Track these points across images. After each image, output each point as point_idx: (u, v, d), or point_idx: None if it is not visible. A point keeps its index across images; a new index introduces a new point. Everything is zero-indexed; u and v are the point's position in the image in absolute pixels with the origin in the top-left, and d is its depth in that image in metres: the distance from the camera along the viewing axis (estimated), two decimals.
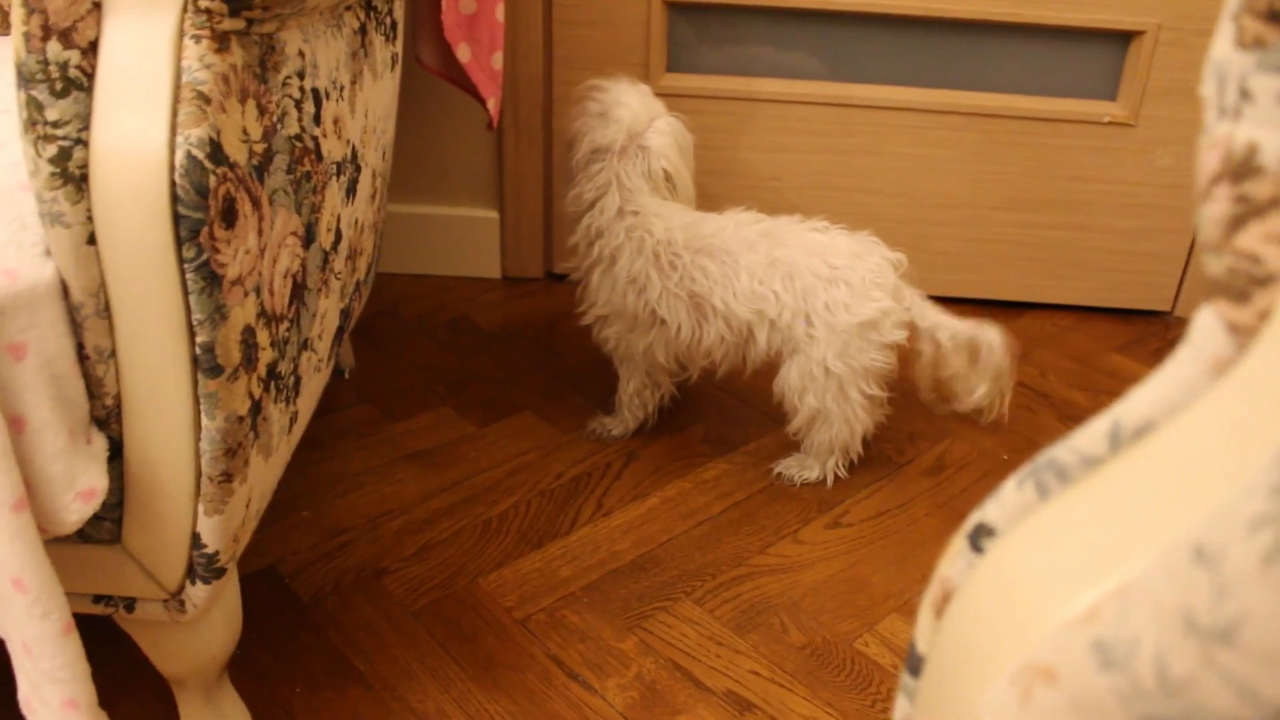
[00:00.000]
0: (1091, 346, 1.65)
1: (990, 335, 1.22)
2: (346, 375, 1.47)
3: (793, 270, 1.18)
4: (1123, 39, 1.58)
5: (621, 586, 1.12)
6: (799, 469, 1.28)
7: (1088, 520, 0.29)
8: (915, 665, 0.36)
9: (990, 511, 0.33)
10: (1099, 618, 0.26)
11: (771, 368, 1.25)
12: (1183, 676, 0.23)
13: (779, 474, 1.29)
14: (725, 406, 1.44)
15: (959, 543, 0.34)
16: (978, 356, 1.23)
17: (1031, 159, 1.65)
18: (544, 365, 1.53)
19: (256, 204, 0.70)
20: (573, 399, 1.44)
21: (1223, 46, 0.31)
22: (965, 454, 1.36)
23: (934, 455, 1.35)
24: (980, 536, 0.33)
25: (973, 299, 1.77)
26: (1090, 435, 0.31)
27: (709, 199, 1.67)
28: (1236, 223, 0.30)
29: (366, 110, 1.00)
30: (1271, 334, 0.28)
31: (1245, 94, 0.30)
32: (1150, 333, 1.70)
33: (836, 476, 1.28)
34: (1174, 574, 0.24)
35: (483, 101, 1.42)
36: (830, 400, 1.21)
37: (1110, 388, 1.54)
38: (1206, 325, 0.30)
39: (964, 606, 0.32)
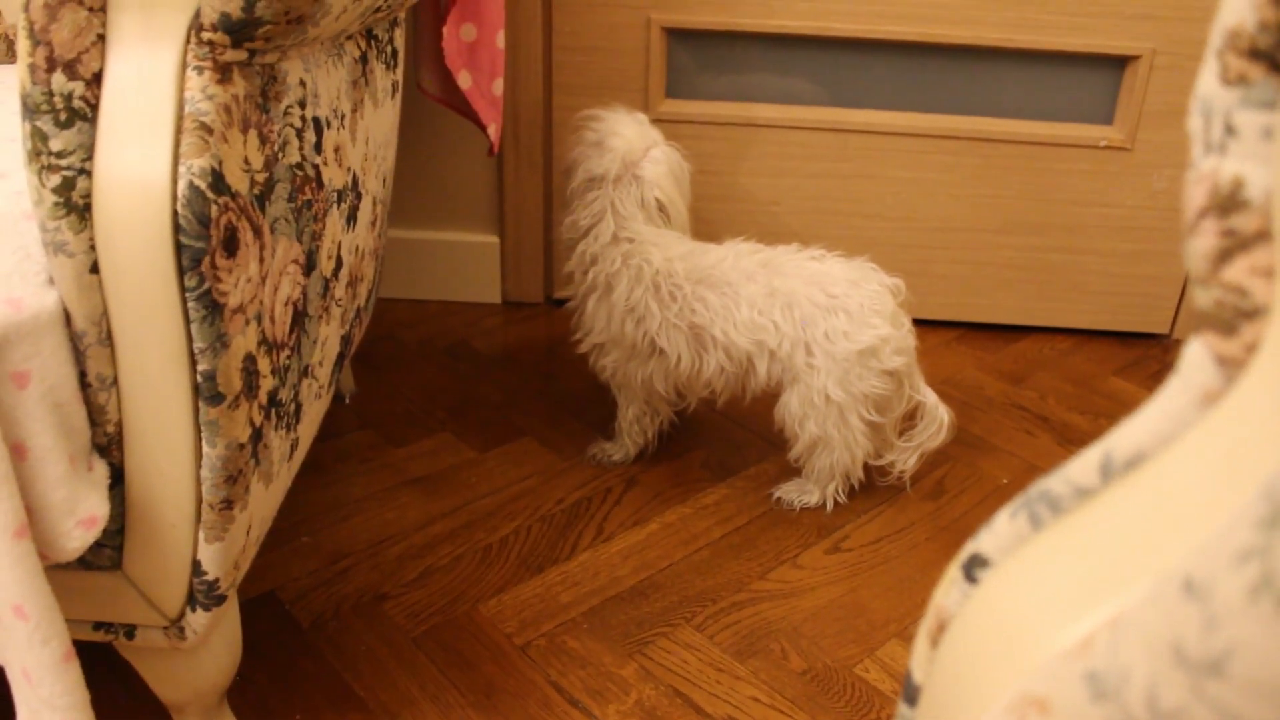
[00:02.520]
0: (1091, 369, 1.66)
1: (940, 413, 1.25)
2: (347, 401, 1.48)
3: (792, 300, 1.18)
4: (1118, 64, 1.59)
5: (622, 612, 1.11)
6: (799, 494, 1.29)
7: (1080, 551, 0.30)
8: (912, 695, 0.36)
9: (984, 542, 0.33)
10: (1091, 649, 0.26)
11: (771, 393, 1.25)
12: (1173, 708, 0.23)
13: (779, 499, 1.29)
14: (725, 431, 1.44)
15: (954, 572, 0.34)
16: (914, 423, 1.27)
17: (1029, 183, 1.66)
18: (544, 390, 1.53)
19: (258, 233, 0.71)
20: (573, 424, 1.45)
21: (1208, 82, 0.31)
22: (965, 478, 1.36)
23: (934, 480, 1.35)
24: (974, 567, 0.33)
25: (972, 323, 1.77)
26: (1082, 466, 0.31)
27: (709, 224, 1.68)
28: (1224, 256, 0.30)
29: (367, 138, 1.01)
30: (1259, 366, 0.28)
31: (1230, 129, 0.30)
32: (1149, 355, 1.71)
33: (836, 501, 1.29)
34: (1164, 606, 0.24)
35: (483, 127, 1.43)
36: (831, 427, 1.21)
37: (1110, 411, 1.54)
38: (1195, 357, 0.30)
39: (959, 636, 0.33)
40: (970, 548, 0.33)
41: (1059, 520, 0.31)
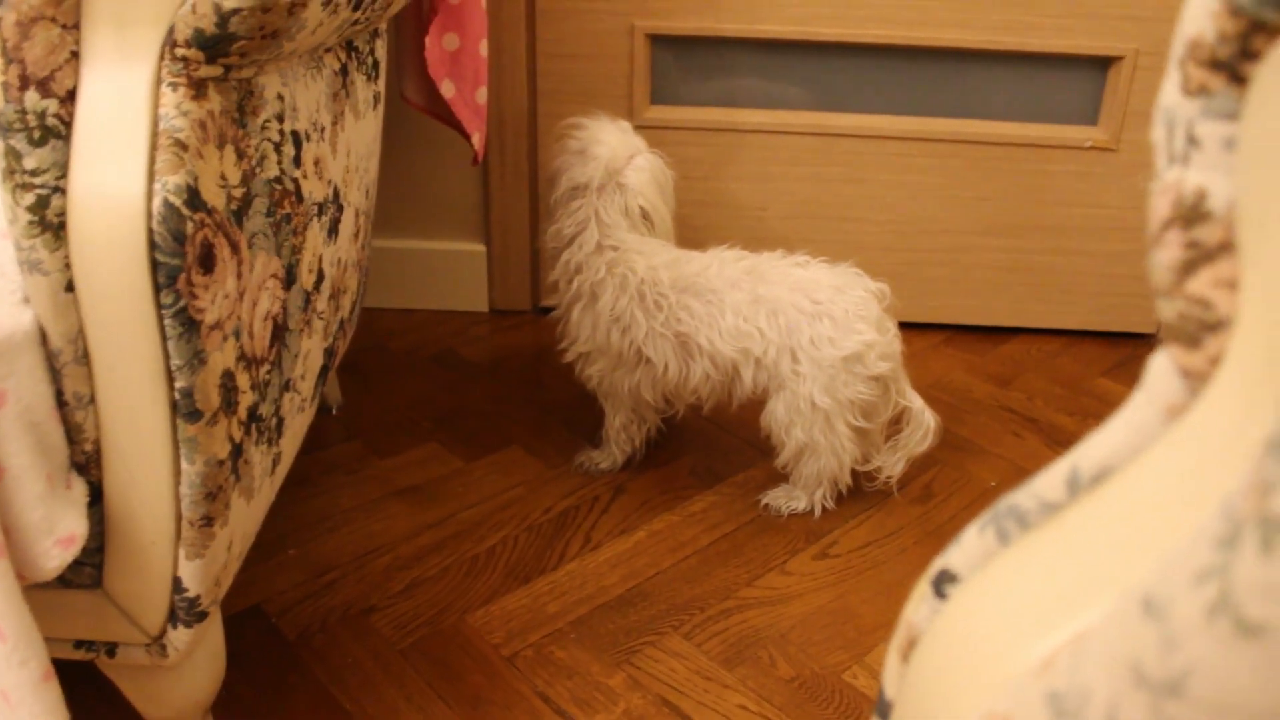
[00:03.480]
0: (1079, 370, 1.66)
1: (927, 418, 1.25)
2: (334, 411, 1.47)
3: (777, 307, 1.18)
4: (1102, 64, 1.59)
5: (609, 621, 1.11)
6: (786, 500, 1.28)
7: (1046, 568, 0.29)
8: (884, 710, 0.36)
9: (953, 557, 0.33)
10: (1053, 668, 0.26)
11: (758, 399, 1.25)
12: None
13: (766, 505, 1.29)
14: (712, 438, 1.44)
15: (923, 588, 0.34)
16: (900, 428, 1.28)
17: (1015, 184, 1.66)
18: (531, 398, 1.53)
19: (235, 248, 0.70)
20: (560, 433, 1.44)
21: (1170, 93, 0.31)
22: (953, 482, 1.36)
23: (922, 483, 1.35)
24: (943, 582, 0.33)
25: (959, 325, 1.77)
26: (1050, 481, 0.31)
27: (695, 229, 1.68)
28: (1187, 268, 0.30)
29: (349, 150, 1.00)
30: (1222, 380, 0.28)
31: (1193, 140, 0.30)
32: (1137, 356, 1.71)
33: (824, 507, 1.28)
34: (1124, 625, 0.24)
35: (468, 136, 1.43)
36: (817, 433, 1.21)
37: (1098, 412, 1.54)
38: (1160, 370, 0.30)
39: (928, 653, 0.33)
40: (939, 563, 0.33)
41: (1026, 536, 0.31)
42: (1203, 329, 0.30)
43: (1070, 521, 0.30)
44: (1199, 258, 0.31)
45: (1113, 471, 0.30)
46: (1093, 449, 0.31)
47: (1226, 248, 0.30)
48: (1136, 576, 0.25)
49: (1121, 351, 1.72)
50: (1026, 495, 0.32)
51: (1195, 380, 0.30)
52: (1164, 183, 0.32)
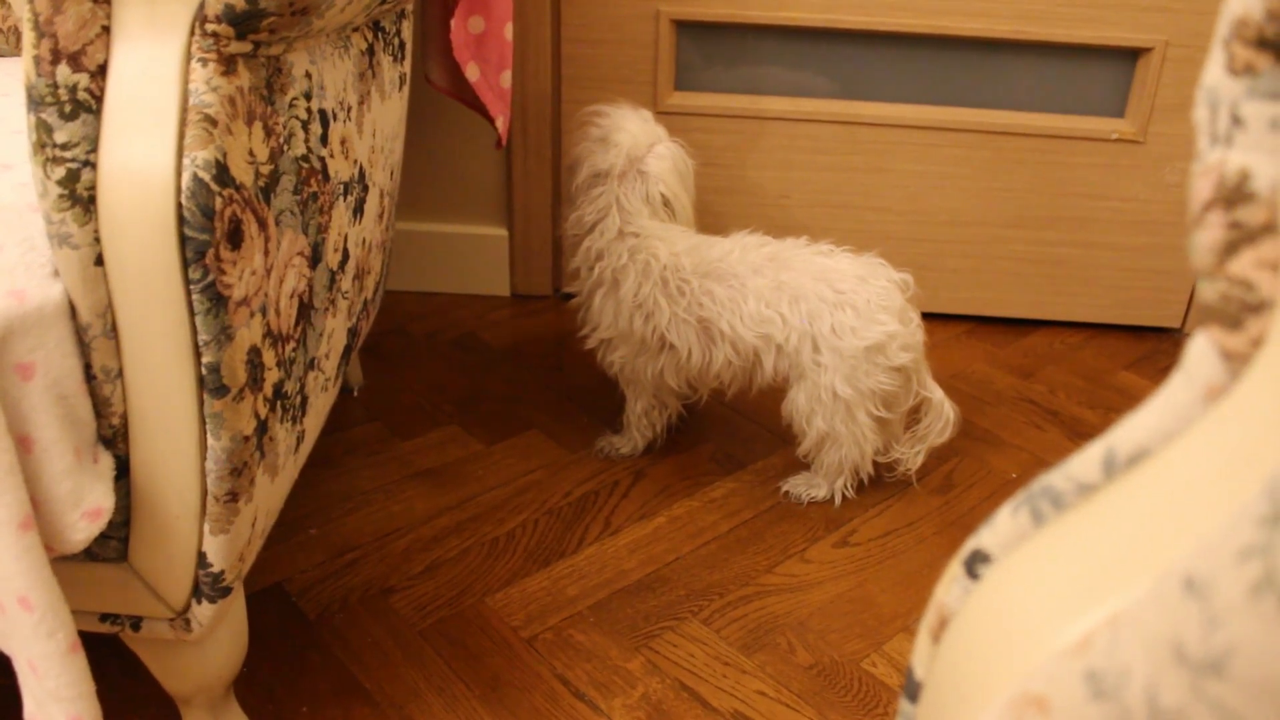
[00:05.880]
0: (1101, 364, 1.65)
1: (947, 410, 1.25)
2: (355, 393, 1.48)
3: (799, 294, 1.18)
4: (1130, 56, 1.58)
5: (628, 606, 1.11)
6: (807, 488, 1.28)
7: (1081, 548, 0.29)
8: (913, 691, 0.36)
9: (986, 538, 0.33)
10: (1091, 647, 0.26)
11: (779, 386, 1.25)
12: (1173, 707, 0.23)
13: (786, 493, 1.29)
14: (733, 425, 1.44)
15: (955, 569, 0.34)
16: (919, 418, 1.28)
17: (1040, 176, 1.65)
18: (552, 383, 1.53)
19: (263, 225, 0.70)
20: (581, 417, 1.44)
21: (1214, 73, 0.31)
22: (974, 472, 1.36)
23: (942, 474, 1.35)
24: (976, 563, 0.33)
25: (982, 316, 1.76)
26: (1085, 462, 0.31)
27: (718, 217, 1.67)
28: (1229, 249, 0.30)
29: (374, 130, 1.01)
30: (1264, 361, 0.28)
31: (1237, 120, 0.30)
32: (1160, 350, 1.70)
33: (844, 495, 1.28)
34: (1164, 604, 0.24)
35: (491, 120, 1.43)
36: (839, 423, 1.21)
37: (1120, 405, 1.53)
38: (1200, 352, 0.30)
39: (960, 633, 0.32)
40: (972, 544, 0.33)
41: (1061, 516, 0.31)
42: (1244, 310, 0.30)
43: (1107, 502, 0.30)
44: (1241, 239, 0.30)
45: (1150, 453, 0.30)
46: (1129, 430, 0.31)
47: (1270, 229, 0.30)
48: (1175, 556, 0.25)
49: (1145, 345, 1.71)
50: (1061, 476, 0.31)
51: (1236, 362, 0.29)
52: (1206, 164, 0.32)
